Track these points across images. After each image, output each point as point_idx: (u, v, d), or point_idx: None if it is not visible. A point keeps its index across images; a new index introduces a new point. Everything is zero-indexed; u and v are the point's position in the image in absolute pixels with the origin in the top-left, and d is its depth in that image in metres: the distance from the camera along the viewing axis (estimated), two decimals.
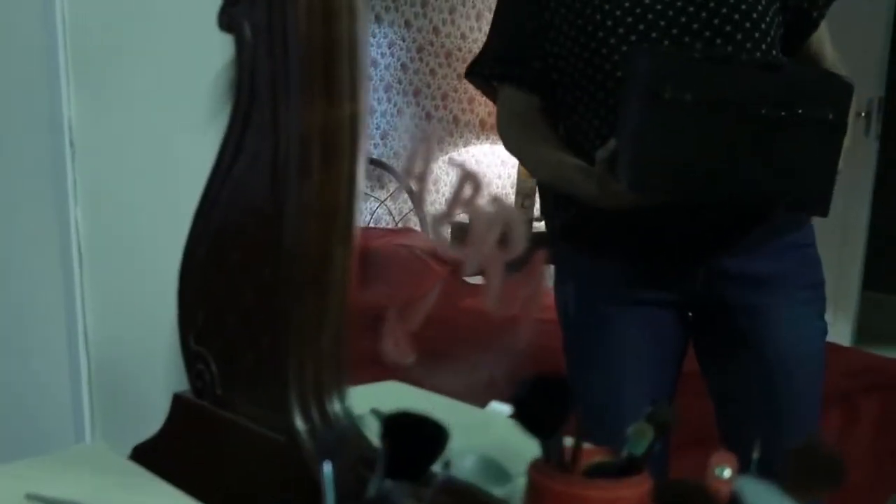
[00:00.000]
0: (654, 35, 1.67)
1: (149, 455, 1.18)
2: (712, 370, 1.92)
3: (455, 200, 0.85)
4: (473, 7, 5.30)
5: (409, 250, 3.91)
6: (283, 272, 1.01)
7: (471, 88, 2.18)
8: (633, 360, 1.84)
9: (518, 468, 0.95)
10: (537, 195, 2.34)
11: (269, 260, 1.03)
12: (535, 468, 0.90)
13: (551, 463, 0.90)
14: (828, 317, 1.86)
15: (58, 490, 1.07)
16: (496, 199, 0.84)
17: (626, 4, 1.68)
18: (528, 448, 0.92)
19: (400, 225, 5.23)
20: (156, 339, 1.38)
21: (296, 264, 1.00)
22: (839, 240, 4.73)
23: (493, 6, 1.93)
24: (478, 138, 5.69)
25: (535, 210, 5.05)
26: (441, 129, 5.52)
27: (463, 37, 5.26)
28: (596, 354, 1.86)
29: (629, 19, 1.68)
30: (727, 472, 0.85)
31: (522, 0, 1.81)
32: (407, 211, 5.23)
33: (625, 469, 0.89)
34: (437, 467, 0.80)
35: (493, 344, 0.96)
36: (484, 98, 2.27)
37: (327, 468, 0.78)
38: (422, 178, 0.90)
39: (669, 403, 1.79)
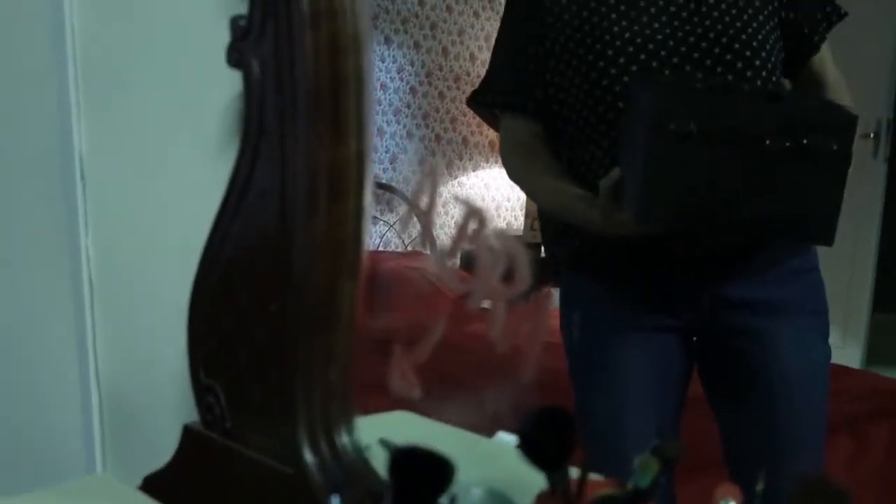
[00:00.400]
0: (654, 65, 1.69)
1: (159, 486, 1.19)
2: (716, 394, 1.93)
3: (460, 236, 0.86)
4: (482, 29, 5.33)
5: (418, 273, 3.93)
6: (291, 306, 1.02)
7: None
8: (638, 385, 1.85)
9: (525, 500, 0.96)
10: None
11: (278, 293, 1.04)
12: (542, 501, 0.91)
13: (557, 495, 0.91)
14: (838, 339, 1.88)
15: None
16: (502, 234, 0.85)
17: (627, 35, 1.70)
18: (534, 479, 0.93)
19: (409, 248, 5.26)
20: (166, 372, 1.40)
21: (304, 298, 1.01)
22: (848, 262, 4.74)
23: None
24: (487, 161, 5.71)
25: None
26: (450, 151, 5.55)
27: (472, 58, 5.29)
28: (601, 379, 1.87)
29: (630, 49, 1.69)
30: None
31: (523, 29, 1.83)
32: (416, 234, 5.25)
33: (630, 502, 0.90)
34: (443, 502, 0.82)
35: (499, 371, 0.97)
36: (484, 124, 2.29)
37: (335, 502, 0.79)
38: (428, 212, 0.91)
39: (675, 427, 1.80)
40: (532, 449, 0.90)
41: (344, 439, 1.01)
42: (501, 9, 5.18)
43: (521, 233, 5.93)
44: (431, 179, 0.83)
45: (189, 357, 1.16)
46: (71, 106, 1.49)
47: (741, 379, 1.87)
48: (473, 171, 5.64)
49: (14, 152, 1.62)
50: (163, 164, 1.42)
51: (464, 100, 5.94)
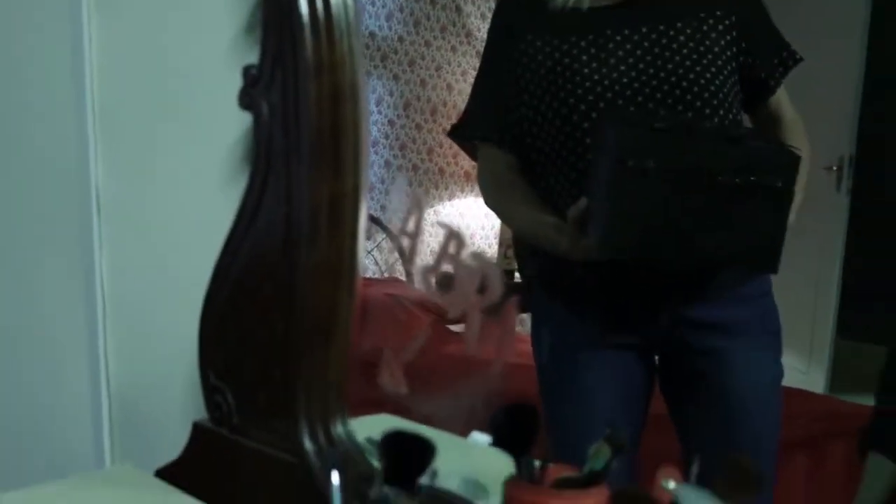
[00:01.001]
0: (621, 103, 1.80)
1: (171, 477, 1.34)
2: (677, 410, 2.04)
3: (441, 255, 1.02)
4: (459, 64, 5.46)
5: (395, 300, 4.05)
6: (294, 320, 1.18)
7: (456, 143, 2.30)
8: (604, 399, 1.96)
9: (495, 487, 1.11)
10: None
11: (282, 309, 1.19)
12: (510, 483, 1.07)
13: (523, 478, 1.07)
14: (802, 365, 1.99)
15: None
16: (477, 254, 1.01)
17: (596, 76, 1.81)
18: (503, 470, 1.08)
19: (386, 275, 5.38)
20: (172, 377, 1.54)
21: (306, 314, 1.17)
22: (813, 291, 4.88)
23: (477, 65, 2.06)
24: (462, 190, 5.84)
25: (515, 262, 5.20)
26: (427, 181, 5.67)
27: (449, 89, 5.41)
28: (568, 393, 1.98)
29: (598, 89, 1.81)
30: (672, 484, 1.01)
31: (501, 67, 1.95)
32: (393, 261, 5.38)
33: (587, 482, 1.05)
34: (425, 478, 0.97)
35: (473, 384, 1.12)
36: (463, 153, 2.41)
37: (335, 477, 0.94)
38: (413, 237, 1.07)
39: (636, 441, 1.93)
40: (501, 437, 1.06)
41: (339, 430, 1.16)
42: (477, 44, 5.31)
43: (495, 260, 6.05)
44: (417, 207, 0.98)
45: (200, 362, 1.31)
46: (89, 137, 1.61)
47: (699, 395, 1.96)
48: (449, 200, 5.77)
49: (35, 179, 1.74)
50: (175, 194, 1.54)
51: (440, 131, 6.05)
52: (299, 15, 1.16)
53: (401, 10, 5.22)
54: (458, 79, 5.47)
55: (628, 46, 1.83)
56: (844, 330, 5.26)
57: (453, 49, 5.44)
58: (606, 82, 1.80)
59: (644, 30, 1.83)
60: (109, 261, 1.65)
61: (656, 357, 2.01)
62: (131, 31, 1.59)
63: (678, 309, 1.88)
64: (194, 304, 1.36)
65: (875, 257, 5.15)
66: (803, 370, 4.83)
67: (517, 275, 4.83)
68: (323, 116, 1.15)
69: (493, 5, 2.12)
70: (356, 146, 1.15)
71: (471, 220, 5.95)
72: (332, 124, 1.15)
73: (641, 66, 1.82)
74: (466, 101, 2.09)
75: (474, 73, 2.10)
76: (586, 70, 1.82)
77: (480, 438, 1.39)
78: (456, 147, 5.29)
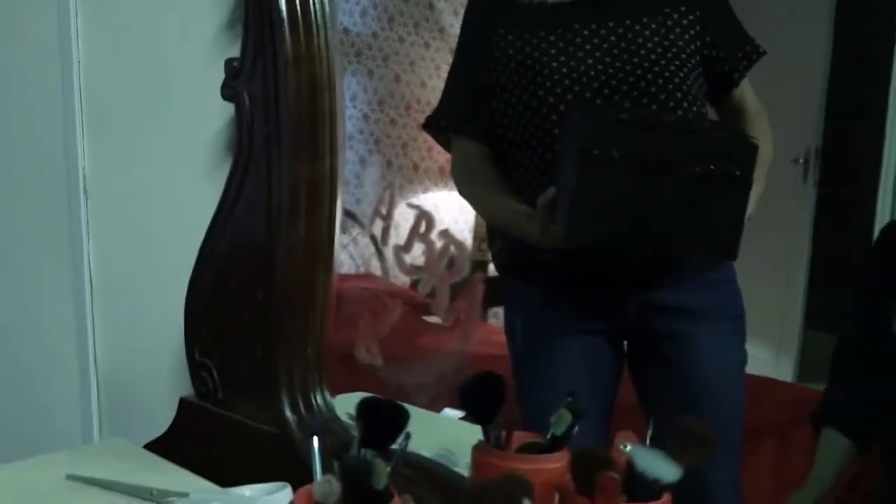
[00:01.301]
0: (587, 95, 1.86)
1: (159, 450, 1.41)
2: (644, 394, 2.10)
3: (413, 234, 1.09)
4: (433, 60, 5.49)
5: (371, 293, 4.12)
6: (275, 296, 1.25)
7: (430, 138, 2.34)
8: (571, 382, 2.01)
9: (464, 456, 1.18)
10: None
11: (263, 286, 1.26)
12: (478, 449, 1.14)
13: (490, 444, 1.14)
14: (771, 355, 2.01)
15: (91, 473, 1.31)
16: (446, 232, 1.08)
17: (564, 70, 1.87)
18: (470, 441, 1.15)
19: (362, 270, 5.44)
20: (156, 357, 1.60)
21: (286, 289, 1.24)
22: (781, 282, 4.91)
23: (450, 60, 2.10)
24: (436, 185, 5.89)
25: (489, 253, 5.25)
26: (401, 176, 5.74)
27: (423, 85, 5.44)
28: (539, 374, 2.04)
29: (566, 81, 1.87)
30: (628, 447, 1.09)
31: (473, 61, 2.00)
32: (368, 255, 5.45)
33: (550, 447, 1.12)
34: (399, 441, 1.04)
35: (445, 363, 1.19)
36: (441, 147, 2.44)
37: (316, 442, 1.01)
38: (387, 218, 1.14)
39: (606, 425, 1.98)
40: (470, 404, 1.13)
41: (318, 400, 1.23)
42: (450, 40, 5.30)
43: (469, 251, 6.10)
44: (390, 188, 1.05)
45: (186, 340, 1.38)
46: (77, 129, 1.67)
47: (665, 379, 2.00)
48: (423, 193, 5.82)
49: (24, 166, 1.80)
50: (160, 180, 1.58)
51: (414, 126, 6.07)
52: (278, 10, 1.23)
53: (374, 7, 5.25)
54: (431, 74, 5.49)
55: (595, 41, 1.88)
56: (813, 321, 5.32)
57: (426, 45, 5.48)
58: (574, 75, 1.85)
59: (611, 24, 1.88)
60: (96, 244, 1.71)
61: (625, 343, 2.06)
62: (117, 25, 1.65)
63: (645, 295, 1.92)
64: (179, 285, 1.43)
65: (842, 248, 5.21)
66: (772, 361, 4.87)
67: (491, 267, 4.90)
68: (301, 105, 1.22)
69: (465, 2, 2.18)
70: (332, 132, 1.22)
71: (444, 213, 5.99)
72: (309, 112, 1.22)
73: (608, 59, 1.86)
74: (439, 95, 2.12)
75: (447, 69, 2.13)
76: (554, 63, 1.86)
77: (452, 413, 1.45)
78: (431, 142, 5.32)
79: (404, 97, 5.32)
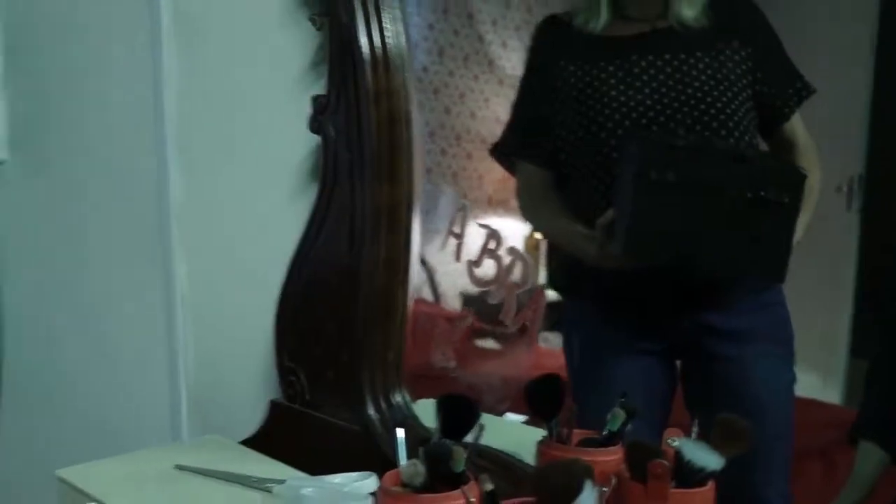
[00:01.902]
0: (644, 122, 1.96)
1: (252, 447, 1.56)
2: (696, 413, 2.17)
3: (483, 250, 1.22)
4: (482, 91, 5.56)
5: (426, 317, 4.23)
6: (358, 308, 1.39)
7: (479, 167, 2.44)
8: (626, 389, 2.11)
9: (527, 457, 1.31)
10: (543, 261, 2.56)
11: (348, 299, 1.41)
12: (543, 442, 1.27)
13: (553, 439, 1.27)
14: (818, 382, 2.06)
15: (197, 464, 1.46)
16: (513, 249, 1.21)
17: (622, 98, 1.97)
18: (533, 442, 1.28)
19: (415, 296, 5.56)
20: (242, 363, 1.75)
21: (368, 302, 1.39)
22: (826, 310, 4.88)
23: (498, 92, 2.20)
24: (485, 213, 5.98)
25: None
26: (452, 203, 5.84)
27: (472, 116, 5.51)
28: (596, 386, 2.14)
29: (624, 110, 1.96)
30: (676, 441, 1.21)
31: (537, 91, 2.11)
32: (420, 283, 5.56)
33: (606, 442, 1.26)
34: (472, 433, 1.18)
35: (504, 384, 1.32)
36: (490, 176, 2.53)
37: (400, 433, 1.14)
38: (460, 236, 1.28)
39: (658, 438, 2.06)
40: (534, 403, 1.27)
41: (398, 400, 1.37)
42: (499, 72, 5.36)
43: (533, 266, 6.14)
44: (463, 210, 1.19)
45: (276, 346, 1.53)
46: (168, 154, 1.84)
47: (716, 400, 2.06)
48: (474, 220, 5.91)
49: (120, 192, 1.97)
50: (249, 202, 1.75)
51: (464, 157, 6.15)
52: (360, 51, 1.38)
53: (425, 40, 5.34)
54: (480, 106, 5.55)
55: (652, 72, 1.96)
56: (859, 349, 5.28)
57: (476, 78, 5.55)
58: (632, 104, 1.93)
59: (667, 57, 1.97)
60: (188, 261, 1.86)
61: (678, 363, 2.13)
62: (209, 59, 1.81)
63: (697, 316, 1.98)
64: (267, 298, 1.58)
65: (887, 276, 5.16)
66: (819, 386, 4.82)
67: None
68: (381, 136, 1.37)
69: (513, 34, 2.27)
70: (409, 161, 1.37)
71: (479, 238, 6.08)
72: (389, 143, 1.37)
73: (664, 90, 1.95)
74: (488, 126, 2.21)
75: (496, 101, 2.22)
76: (613, 92, 1.95)
77: (514, 417, 1.58)
78: (481, 170, 5.42)
79: (454, 128, 5.40)
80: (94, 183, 2.06)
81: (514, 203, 2.17)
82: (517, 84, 2.16)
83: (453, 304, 1.67)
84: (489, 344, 2.22)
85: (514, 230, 2.07)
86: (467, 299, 1.64)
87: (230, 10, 1.75)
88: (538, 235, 1.82)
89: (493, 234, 1.17)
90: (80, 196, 2.09)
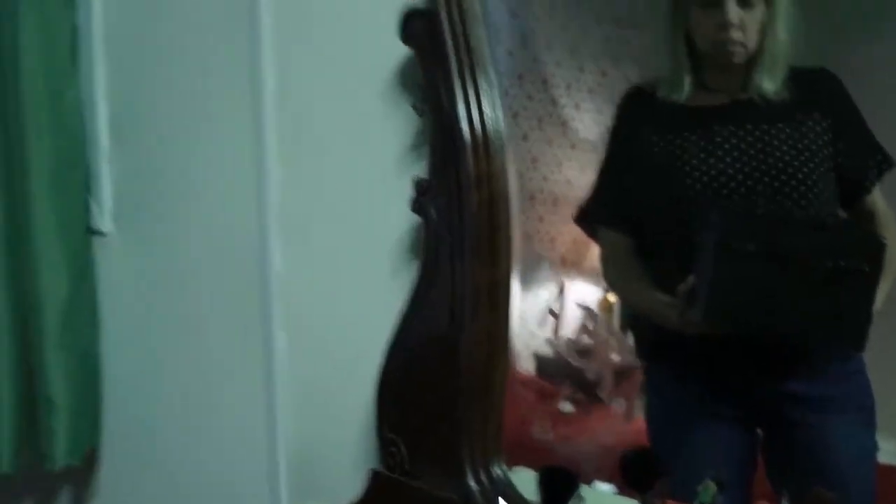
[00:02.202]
0: (725, 192, 1.99)
1: None
2: (777, 481, 2.18)
3: (582, 329, 1.28)
4: (554, 155, 5.61)
5: (524, 390, 4.24)
6: (458, 381, 1.45)
7: (552, 230, 2.47)
8: (710, 457, 2.13)
9: None
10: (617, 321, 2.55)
11: (447, 374, 1.47)
12: None
13: None
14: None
15: None
16: (609, 327, 1.27)
17: (704, 167, 2.00)
18: None
19: (514, 370, 5.57)
20: (340, 434, 1.82)
21: (468, 378, 1.45)
22: None
23: (571, 156, 2.24)
24: (557, 274, 6.00)
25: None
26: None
27: (545, 179, 5.55)
28: (677, 460, 2.15)
29: (705, 179, 1.99)
30: None
31: (620, 160, 2.15)
32: (518, 357, 5.57)
33: None
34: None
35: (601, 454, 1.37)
36: (562, 238, 2.55)
37: (502, 501, 1.21)
38: (557, 316, 1.34)
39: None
40: (629, 474, 1.32)
41: (497, 471, 1.43)
42: (572, 135, 5.37)
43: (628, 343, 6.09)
44: (562, 290, 1.25)
45: (376, 418, 1.59)
46: (269, 229, 1.93)
47: (799, 469, 2.07)
48: (546, 282, 5.93)
49: (222, 265, 2.07)
50: (349, 278, 1.82)
51: (537, 219, 6.16)
52: (461, 137, 1.45)
53: (500, 104, 5.41)
54: (552, 170, 5.59)
55: (734, 141, 1.99)
56: None
57: (549, 141, 5.58)
58: (713, 173, 1.96)
59: (748, 127, 1.99)
60: (288, 335, 1.94)
61: (759, 429, 2.14)
62: (311, 138, 1.90)
63: (777, 383, 1.99)
64: (366, 369, 1.64)
65: None
66: None
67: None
68: (482, 218, 1.44)
69: (586, 96, 2.31)
70: (508, 241, 1.43)
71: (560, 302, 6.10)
72: (488, 224, 1.44)
73: (745, 159, 1.98)
74: (560, 188, 2.25)
75: (568, 164, 2.26)
76: (695, 161, 1.98)
77: (603, 486, 1.62)
78: (552, 233, 5.43)
79: (527, 191, 5.39)
80: (196, 254, 2.14)
81: (585, 264, 2.21)
82: (590, 147, 2.21)
83: (551, 378, 1.72)
84: (586, 416, 2.25)
85: (587, 291, 2.12)
86: (565, 373, 1.69)
87: (332, 92, 1.83)
88: (612, 297, 1.86)
89: (591, 314, 1.23)
90: (182, 267, 2.18)
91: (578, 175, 2.20)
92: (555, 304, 1.34)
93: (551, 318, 1.34)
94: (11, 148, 2.23)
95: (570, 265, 4.03)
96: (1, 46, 2.20)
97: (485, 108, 1.50)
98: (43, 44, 2.19)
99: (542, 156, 3.60)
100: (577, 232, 2.23)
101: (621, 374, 1.32)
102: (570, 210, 2.22)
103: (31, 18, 2.17)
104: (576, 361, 1.28)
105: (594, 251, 2.13)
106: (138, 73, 2.22)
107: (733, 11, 1.86)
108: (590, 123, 2.27)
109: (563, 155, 4.91)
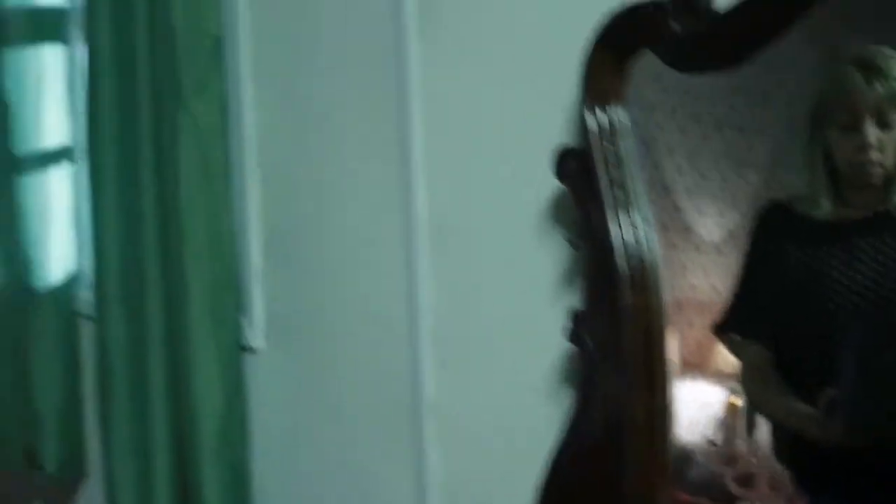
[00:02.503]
0: (864, 303, 2.01)
1: None
2: None
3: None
4: (678, 261, 5.58)
5: None
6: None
7: (677, 332, 2.49)
8: None
9: None
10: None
11: (611, 498, 1.51)
12: None
13: None
14: None
15: None
16: (767, 457, 1.28)
17: (844, 281, 2.01)
18: None
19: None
20: None
21: (630, 500, 1.49)
22: None
23: (695, 259, 2.28)
24: (680, 377, 5.96)
25: None
26: None
27: (670, 286, 5.52)
28: None
29: (845, 291, 2.01)
30: None
31: (762, 275, 2.18)
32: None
33: None
34: None
35: None
36: (685, 341, 2.55)
37: None
38: (716, 446, 1.37)
39: None
40: None
41: None
42: (695, 239, 5.39)
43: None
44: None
45: None
46: (421, 349, 1.99)
47: None
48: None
49: (373, 388, 2.14)
50: (505, 402, 1.87)
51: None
52: (618, 270, 1.51)
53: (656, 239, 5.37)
54: (676, 273, 5.56)
55: (872, 253, 2.02)
56: None
57: (674, 246, 5.56)
58: (853, 286, 1.99)
59: (887, 239, 2.03)
60: (443, 457, 1.99)
61: None
62: (463, 267, 1.96)
63: None
64: (521, 492, 1.70)
65: None
66: None
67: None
68: (637, 349, 1.49)
69: (709, 202, 2.34)
70: (664, 372, 1.48)
71: (684, 404, 6.04)
72: (645, 355, 1.49)
73: (882, 270, 2.01)
74: (684, 292, 2.27)
75: (692, 269, 2.28)
76: (835, 274, 1.99)
77: None
78: (678, 336, 5.40)
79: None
80: (346, 374, 2.21)
81: (709, 367, 2.23)
82: (712, 251, 2.24)
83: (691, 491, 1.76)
84: None
85: (711, 394, 2.14)
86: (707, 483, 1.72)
87: (486, 222, 1.91)
88: (737, 402, 1.89)
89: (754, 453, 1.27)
90: (333, 385, 2.25)
91: (702, 280, 2.20)
92: (715, 434, 1.37)
93: (713, 450, 1.37)
94: (172, 272, 2.35)
95: (694, 367, 4.02)
96: (164, 177, 2.35)
97: (641, 243, 1.55)
98: (201, 171, 2.32)
99: (666, 261, 3.61)
100: (701, 335, 2.26)
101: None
102: (693, 313, 2.26)
103: (190, 147, 2.30)
104: (736, 492, 1.31)
105: (719, 354, 2.12)
106: (290, 196, 2.33)
107: (872, 134, 1.89)
108: (712, 227, 2.30)
109: (686, 259, 4.90)
